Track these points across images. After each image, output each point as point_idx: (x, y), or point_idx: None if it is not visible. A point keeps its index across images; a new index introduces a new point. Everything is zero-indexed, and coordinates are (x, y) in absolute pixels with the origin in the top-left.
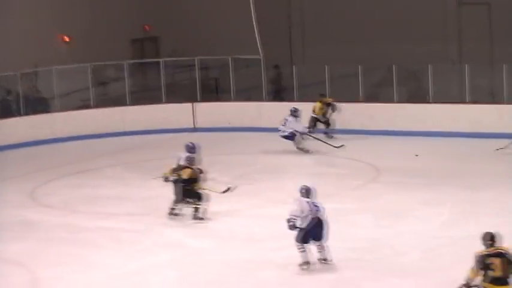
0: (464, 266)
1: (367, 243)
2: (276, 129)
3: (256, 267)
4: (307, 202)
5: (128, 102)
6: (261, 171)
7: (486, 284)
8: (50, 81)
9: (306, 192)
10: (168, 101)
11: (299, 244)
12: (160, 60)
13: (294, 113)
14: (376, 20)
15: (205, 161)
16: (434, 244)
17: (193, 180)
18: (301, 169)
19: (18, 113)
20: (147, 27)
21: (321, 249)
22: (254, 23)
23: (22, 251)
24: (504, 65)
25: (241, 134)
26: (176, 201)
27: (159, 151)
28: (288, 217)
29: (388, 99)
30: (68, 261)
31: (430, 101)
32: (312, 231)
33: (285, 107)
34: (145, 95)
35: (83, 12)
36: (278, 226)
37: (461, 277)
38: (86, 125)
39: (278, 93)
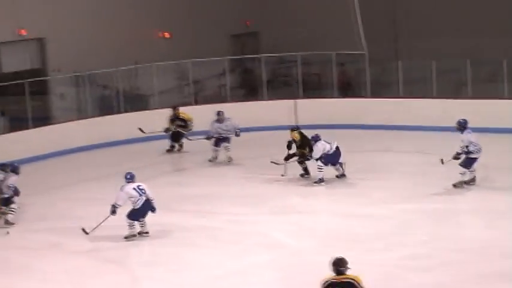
0: None
1: (475, 245)
2: (378, 127)
3: (360, 270)
4: (134, 188)
5: (227, 99)
6: (363, 170)
7: None
8: (149, 78)
9: (131, 178)
10: (269, 98)
11: (130, 221)
12: (261, 56)
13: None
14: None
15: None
16: None
17: None
18: (406, 168)
19: (117, 110)
20: (248, 22)
21: (144, 224)
22: (358, 17)
23: (117, 250)
24: None
25: (343, 131)
26: None
27: (258, 149)
28: (113, 203)
29: (498, 95)
30: (163, 261)
31: None
32: (142, 210)
33: (388, 103)
34: (245, 92)
35: (183, 9)
36: (383, 227)
37: None
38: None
39: (345, 91)
